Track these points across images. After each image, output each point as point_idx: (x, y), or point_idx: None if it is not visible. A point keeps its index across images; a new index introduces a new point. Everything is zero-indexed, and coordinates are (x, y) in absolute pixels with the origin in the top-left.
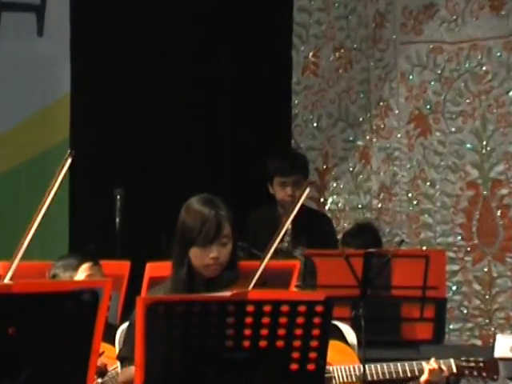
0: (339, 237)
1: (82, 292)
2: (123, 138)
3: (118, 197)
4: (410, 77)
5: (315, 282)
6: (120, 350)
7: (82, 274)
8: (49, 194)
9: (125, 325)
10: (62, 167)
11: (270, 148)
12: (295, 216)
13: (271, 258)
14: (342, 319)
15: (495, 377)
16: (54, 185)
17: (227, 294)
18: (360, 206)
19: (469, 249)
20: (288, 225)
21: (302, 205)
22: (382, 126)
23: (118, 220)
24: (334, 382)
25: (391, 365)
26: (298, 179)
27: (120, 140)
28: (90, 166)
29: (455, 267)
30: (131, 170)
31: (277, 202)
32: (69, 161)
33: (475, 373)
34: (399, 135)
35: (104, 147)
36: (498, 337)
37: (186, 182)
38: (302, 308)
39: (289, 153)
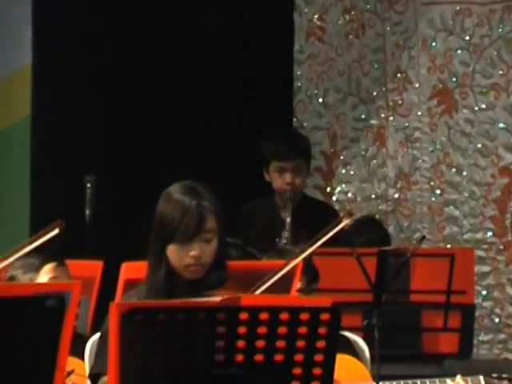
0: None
1: (45, 297)
2: (95, 116)
3: (89, 185)
4: (433, 44)
5: (317, 286)
6: (91, 366)
7: (45, 276)
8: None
9: (96, 336)
10: (44, 234)
11: (267, 128)
12: (296, 207)
13: (269, 256)
14: (351, 329)
15: None
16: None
17: (216, 299)
18: (374, 196)
19: (502, 247)
20: (288, 220)
21: (305, 195)
22: (400, 102)
23: (88, 212)
24: None
25: (409, 383)
26: (299, 164)
27: (91, 118)
28: (55, 149)
29: (485, 268)
30: (104, 153)
31: (274, 192)
32: (55, 231)
33: None
34: (420, 113)
35: (72, 126)
36: None
37: (169, 168)
38: (304, 316)
39: (287, 133)
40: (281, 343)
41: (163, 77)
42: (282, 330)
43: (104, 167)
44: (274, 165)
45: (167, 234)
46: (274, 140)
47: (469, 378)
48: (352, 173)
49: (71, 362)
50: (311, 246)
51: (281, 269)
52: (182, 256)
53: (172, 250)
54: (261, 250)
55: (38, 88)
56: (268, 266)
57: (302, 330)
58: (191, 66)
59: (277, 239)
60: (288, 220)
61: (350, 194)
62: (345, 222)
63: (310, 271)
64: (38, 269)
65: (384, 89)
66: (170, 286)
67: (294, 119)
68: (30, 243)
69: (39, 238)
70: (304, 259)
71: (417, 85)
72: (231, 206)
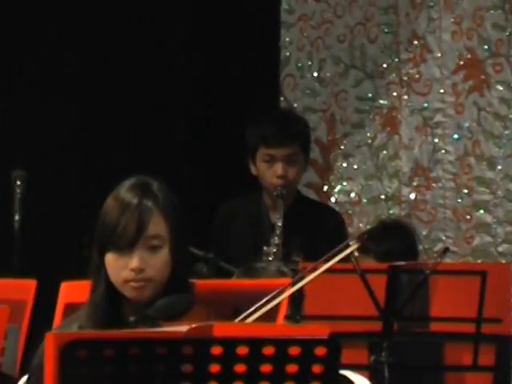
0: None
1: None
2: (27, 97)
3: (18, 182)
4: (459, 1)
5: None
6: None
7: None
8: None
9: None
10: None
11: (250, 109)
12: (288, 209)
13: (245, 273)
14: (355, 367)
15: None
16: None
17: (182, 328)
18: (383, 196)
19: None
20: (280, 223)
21: (299, 194)
22: (417, 77)
23: (17, 217)
24: None
25: None
26: (293, 152)
27: (22, 99)
28: None
29: None
30: (38, 143)
31: (261, 188)
32: None
33: None
34: (442, 90)
35: None
36: None
37: (123, 162)
38: (294, 350)
39: (280, 113)
40: None
41: (130, 43)
42: (266, 368)
43: (38, 161)
44: (261, 152)
45: (105, 240)
46: (262, 122)
47: None
48: (355, 167)
49: None
50: (310, 273)
51: (273, 297)
52: (120, 268)
53: (109, 261)
54: (242, 263)
55: None
56: (248, 287)
57: (292, 368)
58: (165, 32)
59: (264, 247)
60: (279, 223)
61: (352, 194)
62: (353, 247)
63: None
64: None
65: (396, 60)
66: (113, 308)
67: (281, 98)
68: None
69: None
70: (284, 273)
71: (438, 54)
72: (205, 208)
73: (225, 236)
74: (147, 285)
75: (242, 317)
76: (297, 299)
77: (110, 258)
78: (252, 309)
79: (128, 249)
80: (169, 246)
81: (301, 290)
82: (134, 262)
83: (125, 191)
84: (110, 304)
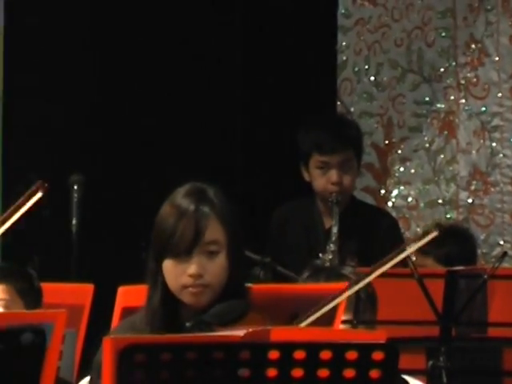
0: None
1: (20, 330)
2: (86, 102)
3: (76, 187)
4: None
5: (374, 316)
6: None
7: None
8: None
9: (86, 380)
10: (27, 199)
11: (305, 114)
12: (342, 214)
13: (304, 278)
14: (412, 372)
15: None
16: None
17: (239, 332)
18: (440, 200)
19: None
20: (335, 230)
21: (354, 198)
22: (475, 81)
23: (74, 221)
24: None
25: None
26: (347, 158)
27: (76, 103)
28: (31, 142)
29: None
30: (95, 147)
31: (314, 194)
32: (38, 195)
33: None
34: (500, 94)
35: (51, 115)
36: None
37: (179, 167)
38: (352, 355)
39: (333, 119)
40: None
41: (177, 46)
42: (323, 372)
43: (94, 165)
44: (315, 159)
45: (162, 246)
46: (315, 128)
47: None
48: (412, 171)
49: None
50: (371, 273)
51: (332, 298)
52: (178, 274)
53: (167, 268)
54: (296, 269)
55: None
56: (305, 292)
57: (349, 372)
58: (218, 37)
59: (320, 254)
60: (335, 229)
61: (409, 199)
62: (410, 250)
63: (364, 296)
64: None
65: (454, 63)
66: (169, 314)
67: (338, 103)
68: (13, 212)
69: (22, 205)
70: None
71: (496, 58)
72: (259, 213)
73: (279, 241)
74: (205, 290)
75: (299, 321)
76: (360, 303)
77: (168, 265)
78: (309, 313)
79: (186, 255)
80: (226, 251)
81: (370, 294)
82: (193, 268)
83: (181, 198)
84: (167, 310)
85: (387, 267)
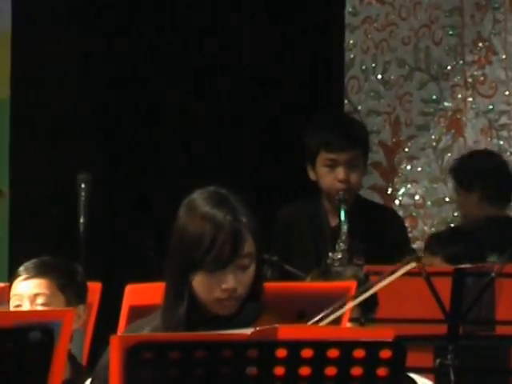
0: (419, 244)
1: (29, 328)
2: (89, 99)
3: (83, 185)
4: None
5: (373, 314)
6: None
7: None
8: None
9: (87, 382)
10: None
11: (312, 112)
12: (348, 213)
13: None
14: (420, 370)
15: None
16: None
17: (246, 331)
18: (448, 199)
19: None
20: (345, 229)
21: (360, 197)
22: (482, 79)
23: (82, 219)
24: None
25: None
26: (354, 157)
27: (82, 105)
28: (40, 139)
29: None
30: (103, 146)
31: (321, 192)
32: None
33: None
34: (507, 92)
35: (59, 113)
36: None
37: (186, 165)
38: (359, 353)
39: (340, 118)
40: None
41: (177, 53)
42: (331, 370)
43: (101, 164)
44: (322, 157)
45: (192, 260)
46: (323, 126)
47: None
48: (420, 169)
49: None
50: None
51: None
52: (212, 288)
53: (199, 281)
54: (303, 267)
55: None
56: (313, 290)
57: (357, 371)
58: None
59: (330, 253)
60: (344, 228)
61: (417, 197)
62: (411, 266)
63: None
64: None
65: (461, 62)
66: (193, 324)
67: (346, 101)
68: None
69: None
70: (359, 278)
71: (503, 56)
72: (265, 213)
73: (285, 240)
74: (236, 302)
75: (309, 323)
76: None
77: (200, 278)
78: (319, 317)
79: (221, 269)
80: (255, 263)
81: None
82: (230, 282)
83: (211, 207)
84: (191, 319)
85: (394, 278)
